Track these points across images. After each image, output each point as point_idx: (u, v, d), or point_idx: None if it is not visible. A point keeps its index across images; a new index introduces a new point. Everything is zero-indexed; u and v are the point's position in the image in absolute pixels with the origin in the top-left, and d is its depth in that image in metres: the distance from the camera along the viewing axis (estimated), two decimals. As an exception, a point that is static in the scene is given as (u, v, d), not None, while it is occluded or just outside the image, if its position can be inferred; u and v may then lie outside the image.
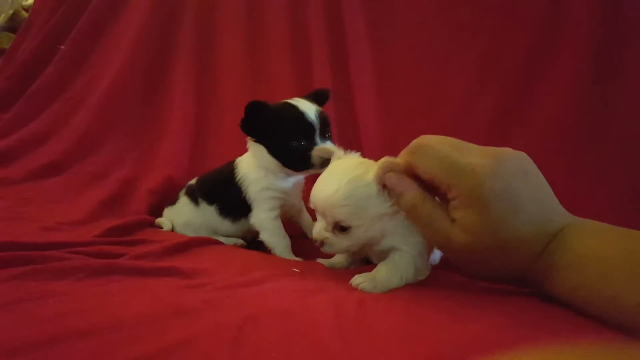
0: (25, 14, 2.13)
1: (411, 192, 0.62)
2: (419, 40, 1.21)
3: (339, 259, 0.84)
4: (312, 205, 0.71)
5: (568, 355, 0.31)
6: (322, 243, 0.70)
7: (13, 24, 2.17)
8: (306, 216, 1.07)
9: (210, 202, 1.05)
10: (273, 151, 0.92)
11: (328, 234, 0.69)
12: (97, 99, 1.54)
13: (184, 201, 1.10)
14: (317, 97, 0.97)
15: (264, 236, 0.96)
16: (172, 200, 1.14)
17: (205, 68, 1.56)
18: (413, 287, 0.70)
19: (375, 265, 0.71)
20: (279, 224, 0.97)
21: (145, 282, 0.66)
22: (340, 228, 0.68)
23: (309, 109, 0.89)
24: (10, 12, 2.22)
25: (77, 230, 0.99)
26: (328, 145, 0.86)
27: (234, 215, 1.02)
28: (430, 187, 0.61)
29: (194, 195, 1.08)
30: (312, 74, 1.33)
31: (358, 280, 0.67)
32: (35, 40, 1.78)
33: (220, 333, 0.47)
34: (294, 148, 0.88)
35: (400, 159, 0.64)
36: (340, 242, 0.70)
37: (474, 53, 1.14)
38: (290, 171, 0.93)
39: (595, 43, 1.04)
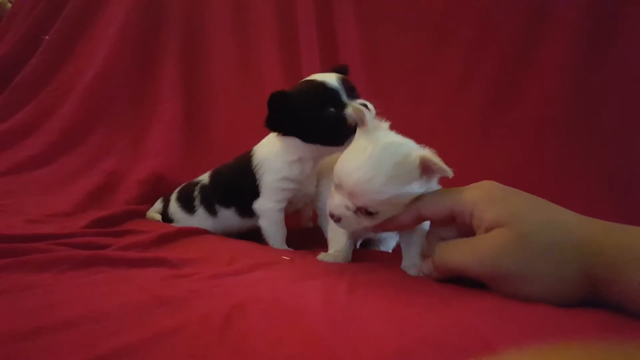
0: (9, 6, 2.09)
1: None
2: (408, 27, 1.20)
3: (342, 255, 0.78)
4: (336, 181, 0.65)
5: (572, 353, 0.30)
6: (339, 218, 0.65)
7: (-3, 16, 2.13)
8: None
9: (227, 205, 1.01)
10: (306, 135, 0.85)
11: (349, 213, 0.64)
12: (83, 90, 1.51)
13: (201, 214, 1.04)
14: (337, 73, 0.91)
15: (263, 223, 0.95)
16: (189, 208, 1.06)
17: (193, 57, 1.54)
18: (403, 273, 0.70)
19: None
20: (282, 216, 0.95)
21: (131, 273, 0.65)
22: (366, 212, 0.63)
23: (329, 77, 0.84)
24: (-4, 4, 2.17)
25: (63, 222, 0.98)
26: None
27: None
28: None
29: (210, 204, 1.03)
30: (300, 62, 1.32)
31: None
32: (19, 31, 1.74)
33: (207, 322, 0.46)
34: (327, 117, 0.81)
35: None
36: (360, 222, 0.65)
37: (464, 39, 1.13)
38: (326, 151, 0.87)
39: (585, 28, 1.04)
